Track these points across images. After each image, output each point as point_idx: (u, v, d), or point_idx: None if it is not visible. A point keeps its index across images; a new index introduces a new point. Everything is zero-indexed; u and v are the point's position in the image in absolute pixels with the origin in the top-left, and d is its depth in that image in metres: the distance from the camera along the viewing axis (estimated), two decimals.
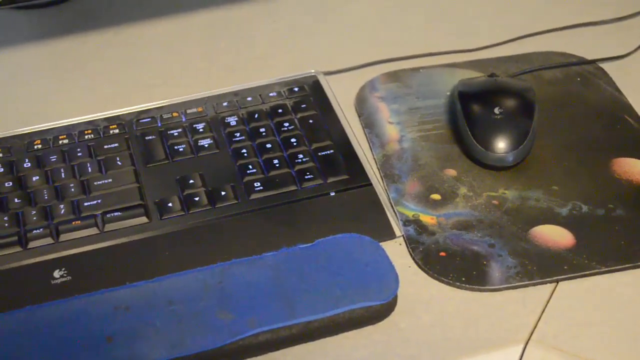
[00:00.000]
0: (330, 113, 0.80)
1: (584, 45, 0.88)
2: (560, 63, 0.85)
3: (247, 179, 0.73)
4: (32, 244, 0.69)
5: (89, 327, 0.62)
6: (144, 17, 0.94)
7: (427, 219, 0.71)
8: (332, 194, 0.73)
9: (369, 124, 0.80)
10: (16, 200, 0.72)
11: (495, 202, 0.71)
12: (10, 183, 0.73)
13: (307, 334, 0.63)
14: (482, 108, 0.75)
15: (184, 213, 0.71)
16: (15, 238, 0.69)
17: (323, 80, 0.83)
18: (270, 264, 0.66)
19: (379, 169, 0.75)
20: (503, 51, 0.88)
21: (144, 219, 0.71)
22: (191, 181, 0.73)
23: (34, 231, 0.70)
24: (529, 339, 0.63)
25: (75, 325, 0.62)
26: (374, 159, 0.76)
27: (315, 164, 0.74)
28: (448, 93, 0.81)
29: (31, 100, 0.85)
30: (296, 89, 0.82)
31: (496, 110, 0.75)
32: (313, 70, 0.84)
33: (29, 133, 0.78)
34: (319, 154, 0.75)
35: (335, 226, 0.70)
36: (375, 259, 0.66)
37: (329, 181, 0.73)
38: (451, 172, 0.74)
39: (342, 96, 0.82)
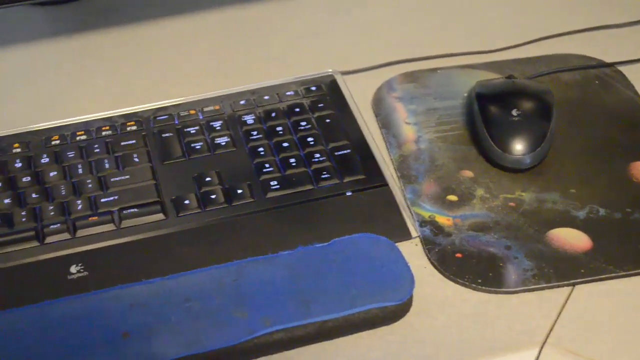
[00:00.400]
0: (347, 113, 0.80)
1: (602, 48, 0.87)
2: (579, 65, 0.85)
3: (263, 177, 0.73)
4: (49, 239, 0.69)
5: (105, 322, 0.62)
6: (163, 15, 0.94)
7: (444, 220, 0.71)
8: (349, 193, 0.73)
9: (386, 124, 0.80)
10: (34, 195, 0.72)
11: (512, 204, 0.71)
12: (28, 178, 0.73)
13: (322, 334, 0.63)
14: (500, 110, 0.75)
15: (200, 210, 0.71)
16: (33, 233, 0.69)
17: (340, 80, 0.83)
18: (286, 262, 0.66)
19: (395, 170, 0.75)
20: (521, 53, 0.87)
21: (160, 216, 0.71)
22: (208, 179, 0.73)
23: (51, 226, 0.70)
24: (544, 342, 0.62)
25: (91, 320, 0.63)
26: (391, 159, 0.76)
27: (331, 164, 0.74)
28: (465, 94, 0.81)
29: (49, 96, 0.85)
30: (313, 88, 0.82)
31: (514, 112, 0.74)
32: (330, 70, 0.84)
33: (47, 129, 0.79)
34: (336, 153, 0.75)
35: (351, 226, 0.70)
36: (391, 260, 0.66)
37: (345, 181, 0.73)
38: (468, 173, 0.74)
39: (359, 96, 0.82)
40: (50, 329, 0.62)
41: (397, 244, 0.67)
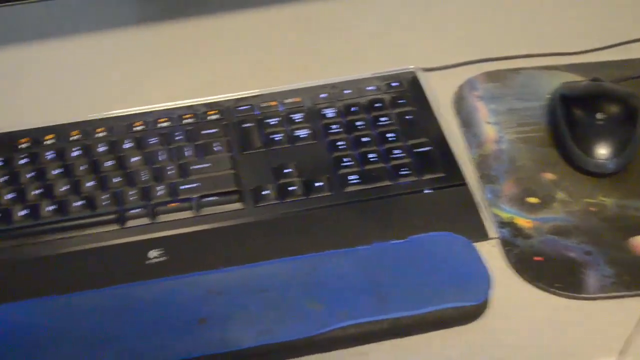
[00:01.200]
0: (427, 110, 0.79)
1: None
2: None
3: (342, 171, 0.73)
4: (129, 223, 0.70)
5: (182, 308, 0.63)
6: (247, 6, 0.94)
7: (523, 222, 0.70)
8: (427, 191, 0.72)
9: (467, 122, 0.79)
10: (116, 179, 0.73)
11: (593, 209, 0.70)
12: (111, 162, 0.75)
13: (396, 330, 0.63)
14: (584, 113, 0.74)
15: (278, 202, 0.72)
16: (114, 216, 0.70)
17: (421, 77, 0.83)
18: (363, 257, 0.66)
19: (474, 169, 0.75)
20: (606, 56, 0.86)
21: (238, 205, 0.71)
22: (287, 170, 0.73)
23: (132, 211, 0.71)
24: (622, 352, 0.61)
25: (168, 305, 0.63)
26: (470, 158, 0.76)
27: (410, 160, 0.74)
28: (548, 96, 0.80)
29: (134, 82, 0.86)
30: (394, 84, 0.81)
31: (598, 116, 0.73)
32: (412, 66, 0.84)
33: (130, 114, 0.80)
34: (415, 150, 0.75)
35: (428, 224, 0.69)
36: (468, 260, 0.66)
37: (424, 178, 0.73)
38: (549, 176, 0.73)
39: (439, 93, 0.82)
40: (128, 311, 0.63)
41: (474, 244, 0.67)
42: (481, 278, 0.64)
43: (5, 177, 0.74)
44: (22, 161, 0.75)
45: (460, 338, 0.63)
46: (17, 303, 0.64)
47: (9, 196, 0.72)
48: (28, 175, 0.74)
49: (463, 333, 0.63)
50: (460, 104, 0.81)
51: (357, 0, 0.95)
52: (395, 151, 0.75)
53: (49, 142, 0.77)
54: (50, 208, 0.71)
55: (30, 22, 0.93)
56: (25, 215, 0.71)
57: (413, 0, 0.96)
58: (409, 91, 0.81)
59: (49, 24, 0.93)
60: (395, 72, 0.83)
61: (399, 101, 0.79)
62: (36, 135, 0.77)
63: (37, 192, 0.72)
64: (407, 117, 0.78)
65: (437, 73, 0.85)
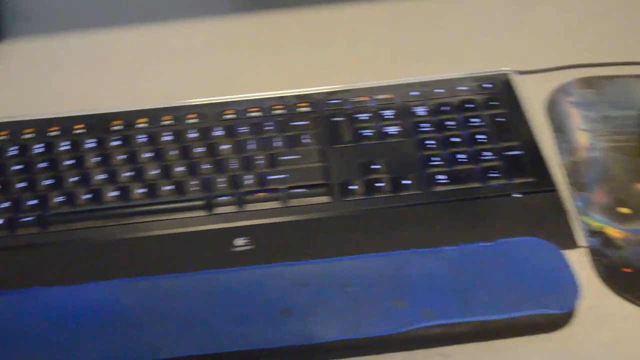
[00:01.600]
0: (519, 113, 0.78)
1: None
2: None
3: (431, 170, 0.73)
4: (217, 210, 0.71)
5: (266, 297, 0.63)
6: (340, 0, 0.94)
7: (614, 232, 0.69)
8: (516, 195, 0.71)
9: (559, 128, 0.78)
10: (206, 166, 0.74)
11: None
12: (202, 149, 0.75)
13: (480, 333, 0.62)
14: None
15: (365, 197, 0.72)
16: (202, 202, 0.71)
17: (515, 79, 0.82)
18: (449, 258, 0.66)
19: (565, 176, 0.74)
20: None
21: (326, 198, 0.72)
22: (375, 166, 0.73)
23: (220, 198, 0.71)
24: None
25: (252, 294, 0.64)
26: (561, 164, 0.75)
27: (501, 163, 0.73)
28: None
29: (226, 70, 0.87)
30: (487, 86, 0.81)
31: None
32: (505, 68, 0.83)
33: (222, 102, 0.80)
34: (506, 153, 0.74)
35: (516, 228, 0.69)
36: (557, 267, 0.65)
37: (513, 182, 0.72)
38: None
39: (532, 97, 0.81)
40: (213, 297, 0.64)
41: (562, 251, 0.66)
42: (569, 286, 0.63)
43: (98, 158, 0.75)
44: (115, 143, 0.76)
45: (544, 346, 0.62)
46: (104, 282, 0.65)
47: (101, 177, 0.73)
48: (120, 157, 0.75)
49: (547, 341, 0.63)
50: (553, 108, 0.80)
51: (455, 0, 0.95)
52: (485, 153, 0.74)
53: (141, 125, 0.78)
54: (140, 191, 0.72)
55: (128, 7, 0.94)
56: (116, 196, 0.72)
57: (509, 1, 0.95)
58: (501, 93, 0.80)
59: (146, 9, 0.94)
60: (488, 73, 0.82)
61: (491, 103, 0.79)
62: (129, 118, 0.78)
63: (128, 174, 0.74)
64: (498, 119, 0.77)
65: (530, 76, 0.84)
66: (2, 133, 0.78)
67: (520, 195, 0.71)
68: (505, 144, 0.75)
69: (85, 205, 0.72)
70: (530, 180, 0.72)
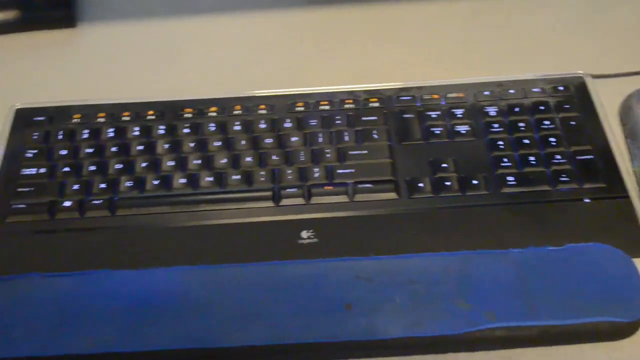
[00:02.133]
0: (592, 117, 0.77)
1: None
2: None
3: (500, 171, 0.72)
4: (284, 202, 0.71)
5: (330, 291, 0.63)
6: None
7: None
8: (586, 200, 0.70)
9: (633, 134, 0.76)
10: (274, 157, 0.74)
11: None
12: (271, 140, 0.76)
13: (544, 338, 0.61)
14: None
15: (433, 195, 0.71)
16: (270, 193, 0.71)
17: (590, 83, 0.80)
18: (515, 260, 0.65)
19: (637, 183, 0.72)
20: None
21: (393, 195, 0.71)
22: (444, 165, 0.73)
23: (288, 189, 0.72)
24: None
25: (316, 287, 0.64)
26: (634, 171, 0.73)
27: (572, 167, 0.72)
28: None
29: (297, 63, 0.87)
30: (561, 88, 0.79)
31: None
32: (580, 71, 0.81)
33: (292, 94, 0.80)
34: (578, 157, 0.73)
35: (585, 234, 0.68)
36: (625, 274, 0.64)
37: (584, 187, 0.71)
38: None
39: (607, 102, 0.79)
40: (277, 288, 0.64)
41: (631, 259, 0.65)
42: (638, 295, 0.62)
43: (168, 145, 0.76)
44: (185, 130, 0.77)
45: (609, 354, 0.61)
46: (169, 268, 0.66)
47: (170, 163, 0.74)
48: (190, 145, 0.75)
49: (613, 349, 0.62)
50: (627, 114, 0.79)
51: (531, 0, 0.93)
52: (557, 156, 0.73)
53: (211, 114, 0.78)
54: (208, 179, 0.73)
55: None
56: (184, 183, 0.73)
57: (585, 4, 0.93)
58: (575, 96, 0.79)
59: None
60: (562, 76, 0.81)
61: (564, 106, 0.77)
62: (200, 106, 0.79)
63: (197, 162, 0.74)
64: (571, 122, 0.76)
65: (605, 80, 0.82)
66: (75, 116, 0.79)
67: (590, 201, 0.70)
68: (577, 148, 0.74)
69: (154, 191, 0.72)
70: (601, 185, 0.71)
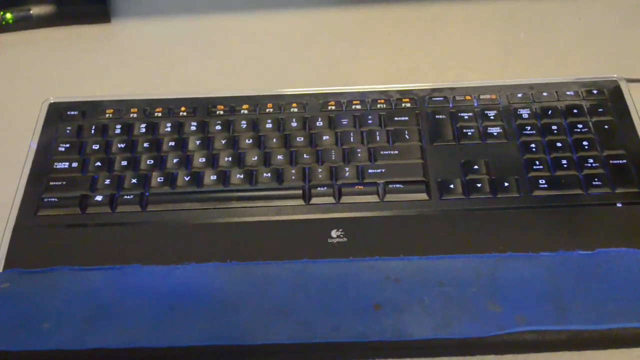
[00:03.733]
0: (627, 121, 0.76)
1: None
2: None
3: (532, 174, 0.72)
4: (314, 200, 0.71)
5: (359, 291, 0.63)
6: None
7: None
8: (619, 205, 0.70)
9: None
10: (305, 155, 0.74)
11: None
12: (302, 139, 0.75)
13: (574, 343, 0.61)
14: None
15: (464, 197, 0.71)
16: (300, 192, 0.71)
17: (624, 87, 0.80)
18: (546, 264, 0.65)
19: None
20: None
21: (423, 196, 0.71)
22: (476, 167, 0.72)
23: (318, 188, 0.72)
24: None
25: (346, 286, 0.64)
26: None
27: (605, 171, 0.72)
28: None
29: (329, 62, 0.87)
30: (594, 92, 0.79)
31: None
32: (615, 75, 0.81)
33: (324, 93, 0.80)
34: (611, 161, 0.72)
35: (617, 239, 0.67)
36: None
37: (617, 191, 0.70)
38: None
39: None
40: (307, 286, 0.64)
41: None
42: None
43: (199, 142, 0.76)
44: (217, 127, 0.77)
45: None
46: (199, 265, 0.66)
47: (201, 160, 0.74)
48: (221, 142, 0.76)
49: None
50: None
51: (563, 3, 0.93)
52: (590, 160, 0.72)
53: (243, 111, 0.79)
54: (240, 176, 0.73)
55: None
56: (215, 180, 0.73)
57: (622, 8, 0.92)
58: (609, 100, 0.78)
59: None
60: (597, 79, 0.80)
61: (598, 110, 0.77)
62: (232, 103, 0.79)
63: (228, 159, 0.74)
64: (605, 126, 0.75)
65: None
66: (107, 111, 0.79)
67: (622, 205, 0.70)
68: (611, 152, 0.73)
69: (185, 187, 0.73)
70: (634, 190, 0.71)
